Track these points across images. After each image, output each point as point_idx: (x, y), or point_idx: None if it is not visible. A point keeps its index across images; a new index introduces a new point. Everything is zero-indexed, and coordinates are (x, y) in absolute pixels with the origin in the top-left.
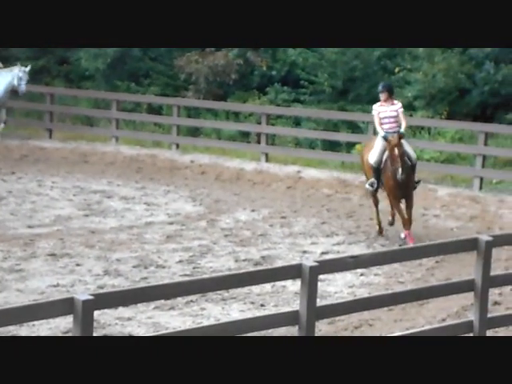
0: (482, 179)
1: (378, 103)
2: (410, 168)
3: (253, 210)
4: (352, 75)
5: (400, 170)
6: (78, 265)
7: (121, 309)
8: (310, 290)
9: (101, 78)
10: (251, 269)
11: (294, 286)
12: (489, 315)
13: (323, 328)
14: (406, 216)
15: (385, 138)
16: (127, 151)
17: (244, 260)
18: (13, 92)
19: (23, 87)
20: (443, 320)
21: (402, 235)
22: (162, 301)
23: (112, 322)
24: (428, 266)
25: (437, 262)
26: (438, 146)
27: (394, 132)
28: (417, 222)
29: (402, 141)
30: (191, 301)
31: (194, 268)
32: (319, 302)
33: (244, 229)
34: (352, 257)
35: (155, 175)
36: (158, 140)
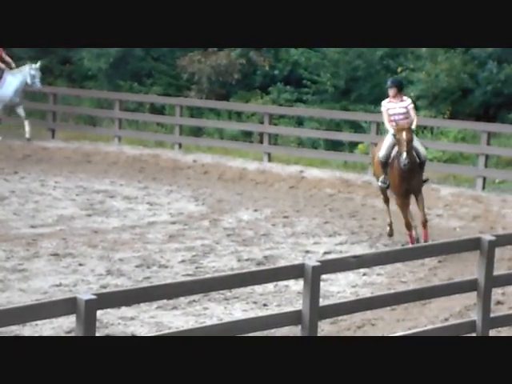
0: (484, 179)
1: (387, 99)
2: (415, 158)
3: (255, 210)
4: (354, 75)
5: (404, 154)
6: (80, 264)
7: (123, 308)
8: (313, 290)
9: (103, 77)
10: (254, 268)
11: (296, 285)
12: (492, 315)
13: (326, 328)
14: (410, 221)
15: (394, 135)
16: (130, 151)
17: (246, 260)
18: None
19: (38, 84)
20: (446, 320)
21: (422, 240)
22: (165, 300)
23: (115, 322)
24: (431, 266)
25: (439, 261)
26: (441, 145)
27: None
28: (419, 221)
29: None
30: (194, 300)
31: (196, 268)
32: (322, 302)
33: (246, 228)
34: (354, 256)
35: (158, 175)
36: (161, 140)
